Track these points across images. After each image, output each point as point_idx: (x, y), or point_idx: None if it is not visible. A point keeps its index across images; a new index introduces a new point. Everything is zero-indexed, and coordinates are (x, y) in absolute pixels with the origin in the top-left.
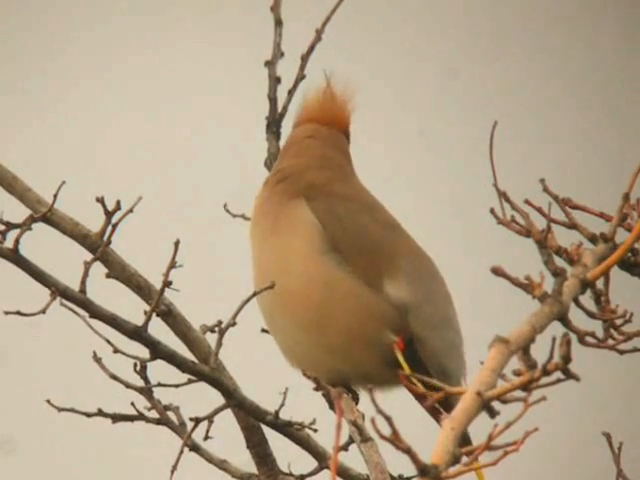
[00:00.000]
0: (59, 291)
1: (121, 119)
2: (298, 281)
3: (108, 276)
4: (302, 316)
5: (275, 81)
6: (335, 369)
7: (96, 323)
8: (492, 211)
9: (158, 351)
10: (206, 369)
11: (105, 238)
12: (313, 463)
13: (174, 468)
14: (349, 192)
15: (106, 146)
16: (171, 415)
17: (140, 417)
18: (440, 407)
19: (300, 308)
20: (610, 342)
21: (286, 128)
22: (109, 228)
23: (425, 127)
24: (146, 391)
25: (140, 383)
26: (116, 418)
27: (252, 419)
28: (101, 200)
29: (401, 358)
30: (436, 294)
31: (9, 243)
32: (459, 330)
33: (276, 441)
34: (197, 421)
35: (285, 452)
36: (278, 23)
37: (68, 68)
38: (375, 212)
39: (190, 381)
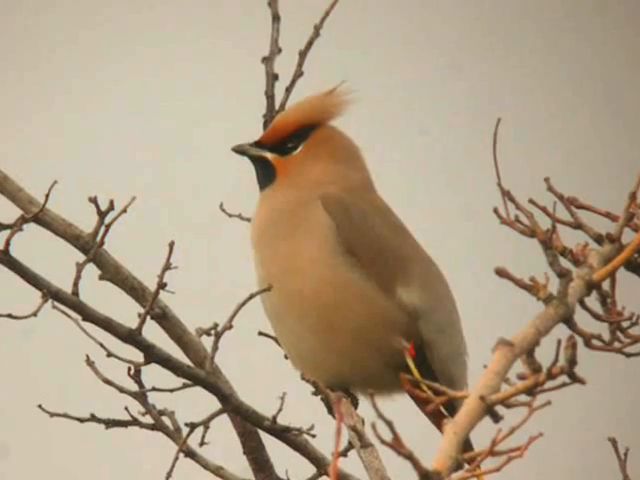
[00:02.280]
0: (51, 293)
1: (117, 118)
2: (310, 282)
3: (101, 278)
4: (312, 317)
5: (272, 78)
6: (338, 371)
7: (89, 326)
8: (496, 211)
9: (153, 355)
10: (202, 373)
11: (98, 239)
12: (311, 469)
13: (169, 474)
14: (364, 196)
15: (102, 145)
16: (166, 420)
17: (134, 422)
18: (444, 412)
19: (311, 309)
20: (616, 345)
21: None
22: (102, 229)
23: (427, 125)
24: (140, 396)
25: (134, 387)
26: (110, 423)
27: (249, 424)
28: (94, 200)
29: (412, 364)
30: (444, 299)
31: None
32: (463, 335)
33: (273, 447)
34: (193, 426)
35: (283, 458)
36: (276, 19)
37: (66, 67)
38: (385, 216)
39: (185, 385)
